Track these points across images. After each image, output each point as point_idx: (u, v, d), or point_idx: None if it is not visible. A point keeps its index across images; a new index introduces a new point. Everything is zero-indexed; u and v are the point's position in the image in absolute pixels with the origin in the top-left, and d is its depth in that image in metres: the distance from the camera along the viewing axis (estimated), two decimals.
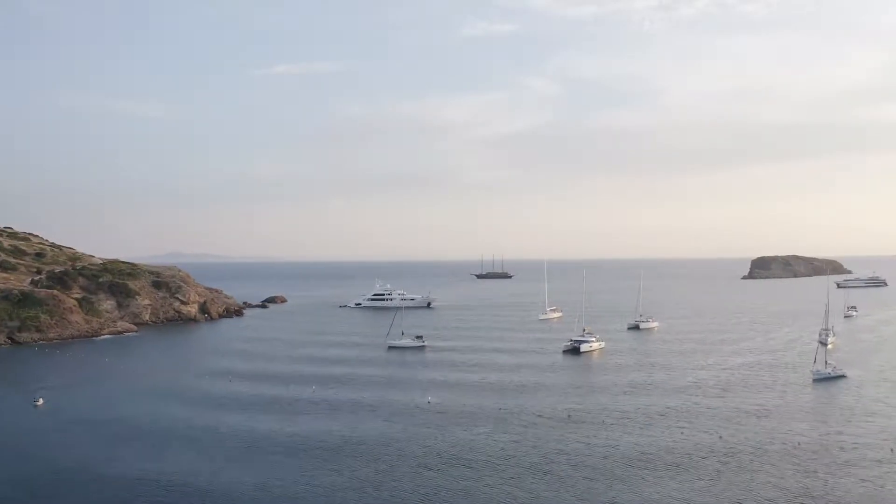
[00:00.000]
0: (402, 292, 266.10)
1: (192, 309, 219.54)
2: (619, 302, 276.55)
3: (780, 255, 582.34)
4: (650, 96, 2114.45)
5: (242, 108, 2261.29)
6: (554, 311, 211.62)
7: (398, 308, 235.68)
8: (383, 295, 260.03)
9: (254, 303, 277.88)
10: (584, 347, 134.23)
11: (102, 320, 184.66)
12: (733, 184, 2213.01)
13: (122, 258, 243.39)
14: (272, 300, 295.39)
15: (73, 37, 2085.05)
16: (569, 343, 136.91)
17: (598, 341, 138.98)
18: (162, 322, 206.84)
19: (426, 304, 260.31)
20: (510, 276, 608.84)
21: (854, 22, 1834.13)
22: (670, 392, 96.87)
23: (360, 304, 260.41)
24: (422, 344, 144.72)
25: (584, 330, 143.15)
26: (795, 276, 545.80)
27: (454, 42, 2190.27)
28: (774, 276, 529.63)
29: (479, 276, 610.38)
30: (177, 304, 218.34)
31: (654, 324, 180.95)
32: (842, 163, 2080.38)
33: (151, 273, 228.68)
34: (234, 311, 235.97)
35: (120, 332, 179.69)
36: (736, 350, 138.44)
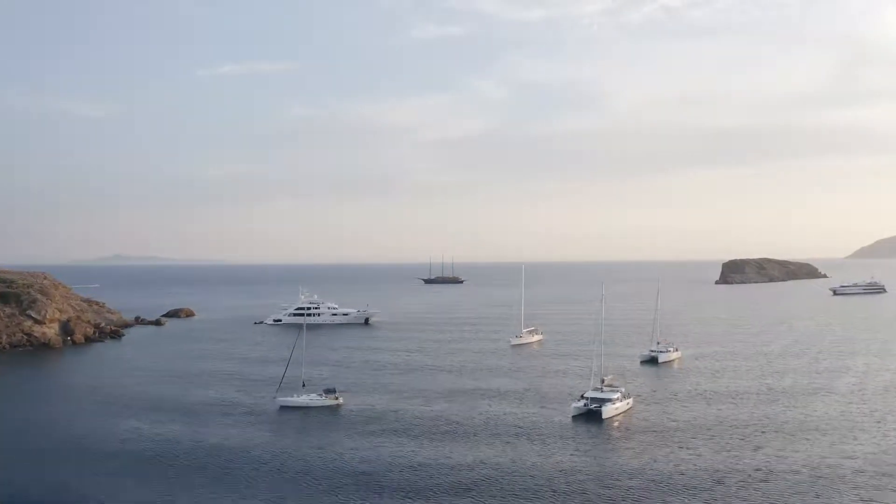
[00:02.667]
0: (332, 305, 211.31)
1: (50, 330, 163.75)
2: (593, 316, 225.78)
3: (750, 258, 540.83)
4: (598, 100, 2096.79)
5: (188, 109, 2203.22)
6: (531, 332, 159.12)
7: (319, 326, 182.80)
8: (309, 309, 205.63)
9: (150, 318, 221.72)
10: (607, 411, 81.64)
11: None
12: (683, 187, 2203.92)
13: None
14: (175, 314, 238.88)
15: (12, 35, 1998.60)
16: (581, 403, 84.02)
17: (623, 398, 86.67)
18: (5, 349, 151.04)
19: (363, 321, 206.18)
20: (461, 281, 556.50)
21: (801, 29, 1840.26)
22: None
23: (279, 320, 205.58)
24: (334, 402, 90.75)
25: (602, 381, 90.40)
26: (771, 280, 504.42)
27: (403, 44, 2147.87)
28: (750, 281, 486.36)
29: (427, 281, 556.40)
30: (28, 323, 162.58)
31: (676, 354, 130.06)
32: (791, 166, 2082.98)
33: (3, 282, 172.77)
34: (110, 332, 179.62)
35: None
36: (844, 401, 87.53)
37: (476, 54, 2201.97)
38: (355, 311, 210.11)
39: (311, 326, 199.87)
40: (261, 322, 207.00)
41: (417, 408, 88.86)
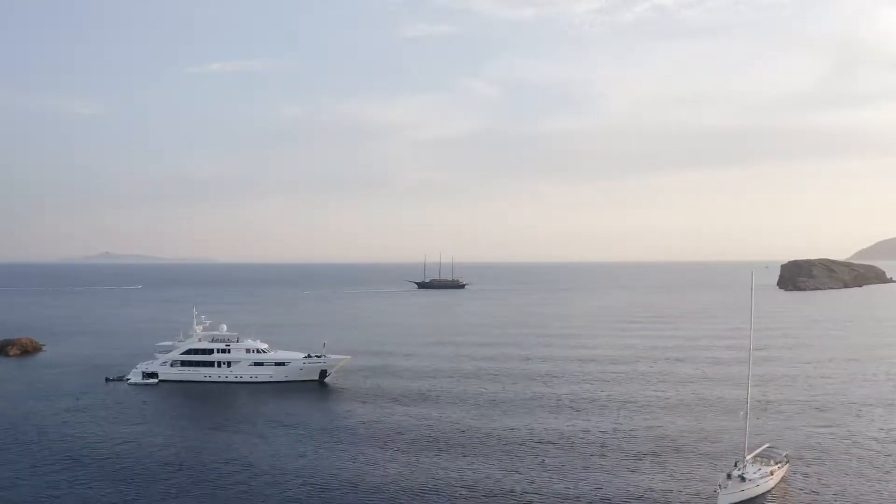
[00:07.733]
0: (257, 345, 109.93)
1: None
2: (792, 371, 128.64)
3: (812, 258, 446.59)
4: (592, 100, 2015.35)
5: (178, 107, 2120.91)
6: (764, 461, 57.89)
7: (227, 388, 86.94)
8: (211, 352, 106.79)
9: None
10: None
11: None
12: (680, 188, 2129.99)
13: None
14: (4, 348, 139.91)
15: (8, 34, 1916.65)
16: None
17: None
18: None
19: (316, 376, 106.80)
20: (463, 286, 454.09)
21: (795, 30, 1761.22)
22: None
23: (153, 375, 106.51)
24: None
25: None
26: (845, 285, 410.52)
27: (396, 43, 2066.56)
28: (824, 286, 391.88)
29: (421, 285, 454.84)
30: None
31: None
32: (789, 167, 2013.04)
33: None
34: None
35: None
36: None
37: (469, 54, 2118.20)
38: (301, 356, 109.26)
39: (212, 390, 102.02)
40: (119, 378, 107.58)
41: None
